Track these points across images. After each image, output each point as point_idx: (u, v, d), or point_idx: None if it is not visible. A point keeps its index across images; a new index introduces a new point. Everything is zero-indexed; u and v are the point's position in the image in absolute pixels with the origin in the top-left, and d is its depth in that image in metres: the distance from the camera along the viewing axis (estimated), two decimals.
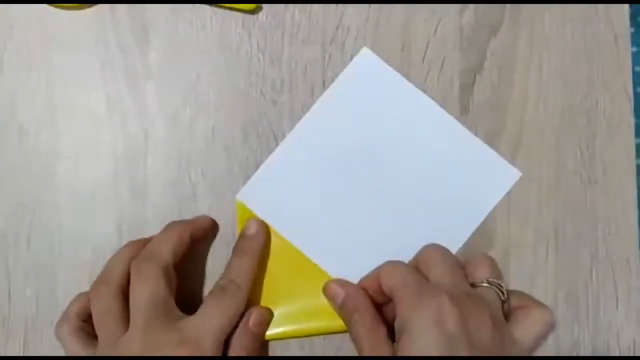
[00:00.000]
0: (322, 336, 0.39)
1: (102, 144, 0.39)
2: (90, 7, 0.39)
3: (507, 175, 0.39)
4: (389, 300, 0.35)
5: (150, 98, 0.39)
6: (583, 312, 0.39)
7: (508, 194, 0.39)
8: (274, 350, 0.39)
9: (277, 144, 0.39)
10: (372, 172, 0.39)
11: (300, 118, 0.39)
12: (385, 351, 0.33)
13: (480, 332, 0.32)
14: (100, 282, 0.35)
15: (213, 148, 0.39)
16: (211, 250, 0.38)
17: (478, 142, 0.39)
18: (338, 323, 0.38)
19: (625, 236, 0.39)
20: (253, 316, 0.37)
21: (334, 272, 0.39)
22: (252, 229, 0.38)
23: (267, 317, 0.38)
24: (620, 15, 0.40)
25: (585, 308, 0.39)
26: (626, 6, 0.40)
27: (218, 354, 0.34)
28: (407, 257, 0.38)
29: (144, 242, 0.37)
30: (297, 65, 0.39)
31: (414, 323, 0.32)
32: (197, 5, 0.39)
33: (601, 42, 0.40)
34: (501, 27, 0.40)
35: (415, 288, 0.34)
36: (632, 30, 0.40)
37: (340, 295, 0.37)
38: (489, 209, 0.39)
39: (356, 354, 0.35)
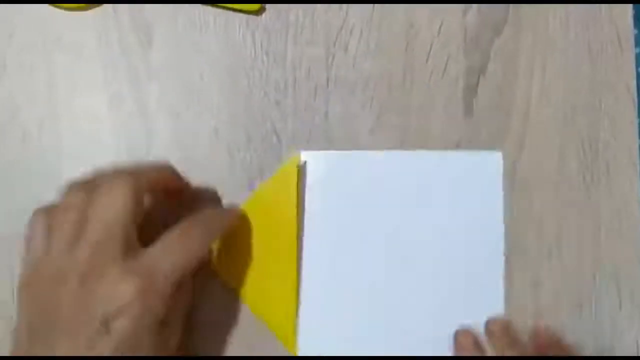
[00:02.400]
0: None
1: (104, 144, 0.39)
2: (92, 7, 0.39)
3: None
4: None
5: (153, 98, 0.39)
6: (586, 313, 0.39)
7: (510, 193, 0.39)
8: (274, 350, 0.39)
9: (280, 145, 0.39)
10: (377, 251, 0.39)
11: (303, 118, 0.39)
12: None
13: None
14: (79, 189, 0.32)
15: (216, 149, 0.39)
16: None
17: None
18: None
19: (628, 236, 0.39)
20: None
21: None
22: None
23: None
24: (623, 16, 0.40)
25: (588, 308, 0.39)
26: (630, 7, 0.40)
27: (169, 292, 0.31)
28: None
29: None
30: (301, 66, 0.39)
31: None
32: (200, 5, 0.39)
33: (605, 43, 0.40)
34: (504, 27, 0.40)
35: None
36: (636, 31, 0.40)
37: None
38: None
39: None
